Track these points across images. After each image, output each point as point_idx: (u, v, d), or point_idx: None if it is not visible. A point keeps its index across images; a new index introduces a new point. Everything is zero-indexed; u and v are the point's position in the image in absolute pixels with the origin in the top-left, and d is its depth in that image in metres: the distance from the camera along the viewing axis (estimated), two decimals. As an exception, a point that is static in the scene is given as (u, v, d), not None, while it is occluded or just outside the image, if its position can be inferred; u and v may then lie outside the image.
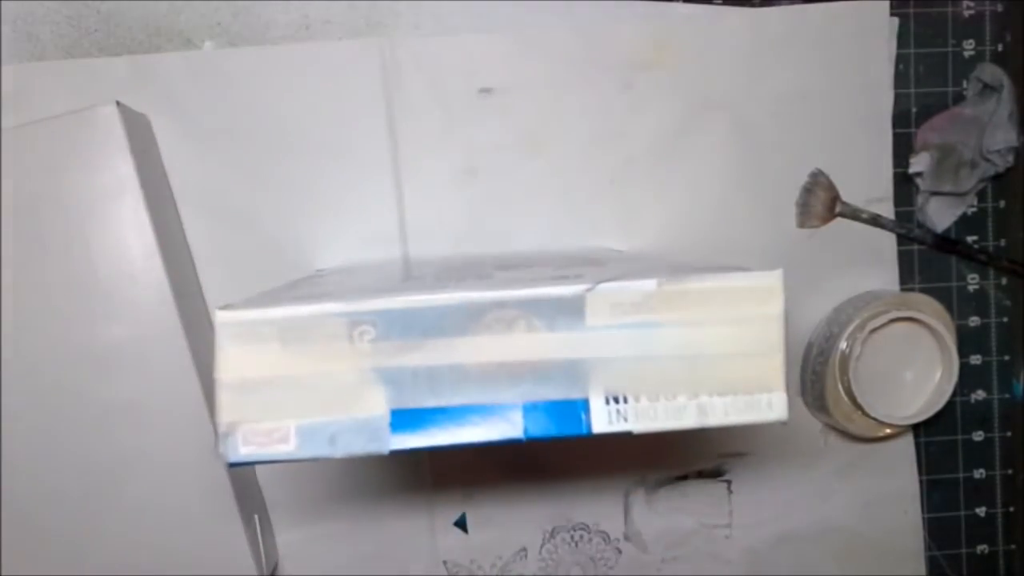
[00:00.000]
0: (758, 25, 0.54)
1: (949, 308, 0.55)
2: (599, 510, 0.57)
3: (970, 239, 0.58)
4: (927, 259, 0.57)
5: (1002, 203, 0.57)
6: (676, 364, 0.31)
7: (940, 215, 0.57)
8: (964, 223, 0.57)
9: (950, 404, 0.52)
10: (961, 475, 0.58)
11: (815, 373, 0.54)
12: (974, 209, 0.57)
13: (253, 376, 0.30)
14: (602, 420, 0.31)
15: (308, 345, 0.30)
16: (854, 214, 0.56)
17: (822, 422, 0.56)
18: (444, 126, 0.54)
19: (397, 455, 0.31)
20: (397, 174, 0.54)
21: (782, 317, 0.32)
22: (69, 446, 0.48)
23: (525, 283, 0.31)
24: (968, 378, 0.58)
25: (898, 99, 0.56)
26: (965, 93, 0.57)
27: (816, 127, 0.55)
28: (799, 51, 0.55)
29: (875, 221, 0.56)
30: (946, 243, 0.57)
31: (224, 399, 0.31)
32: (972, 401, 0.58)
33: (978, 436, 0.58)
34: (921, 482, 0.58)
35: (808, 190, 0.55)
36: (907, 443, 0.57)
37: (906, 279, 0.57)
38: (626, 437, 0.31)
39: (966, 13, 0.56)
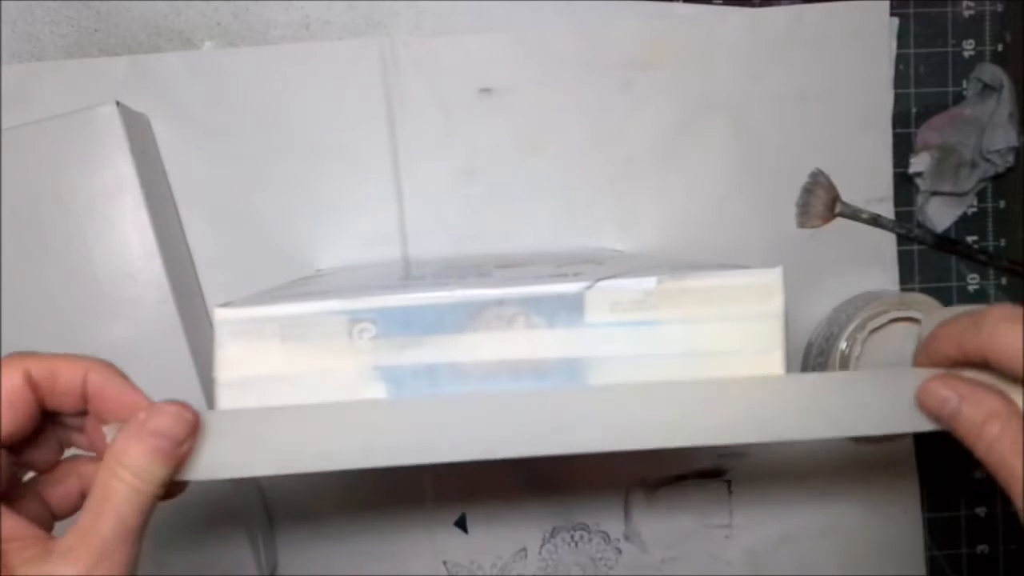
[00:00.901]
0: (758, 25, 0.54)
1: (949, 308, 0.55)
2: (599, 510, 0.57)
3: (970, 239, 0.58)
4: (927, 259, 0.57)
5: (1002, 203, 0.57)
6: (675, 362, 0.31)
7: (940, 215, 0.57)
8: (964, 223, 0.57)
9: (950, 404, 0.52)
10: (961, 475, 0.58)
11: (815, 373, 0.54)
12: (974, 209, 0.57)
13: (253, 374, 0.30)
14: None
15: (308, 342, 0.30)
16: (854, 214, 0.56)
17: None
18: (444, 126, 0.54)
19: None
20: (397, 174, 0.54)
21: (783, 315, 0.32)
22: (69, 446, 0.48)
23: (525, 280, 0.31)
24: (968, 378, 0.57)
25: (898, 99, 0.56)
26: (965, 93, 0.56)
27: (816, 127, 0.55)
28: (799, 51, 0.55)
29: (875, 221, 0.56)
30: (946, 243, 0.57)
31: (224, 398, 0.30)
32: (972, 401, 0.58)
33: (978, 436, 0.58)
34: (921, 482, 0.58)
35: (808, 190, 0.55)
36: (907, 443, 0.57)
37: (906, 279, 0.57)
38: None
39: (966, 13, 0.56)
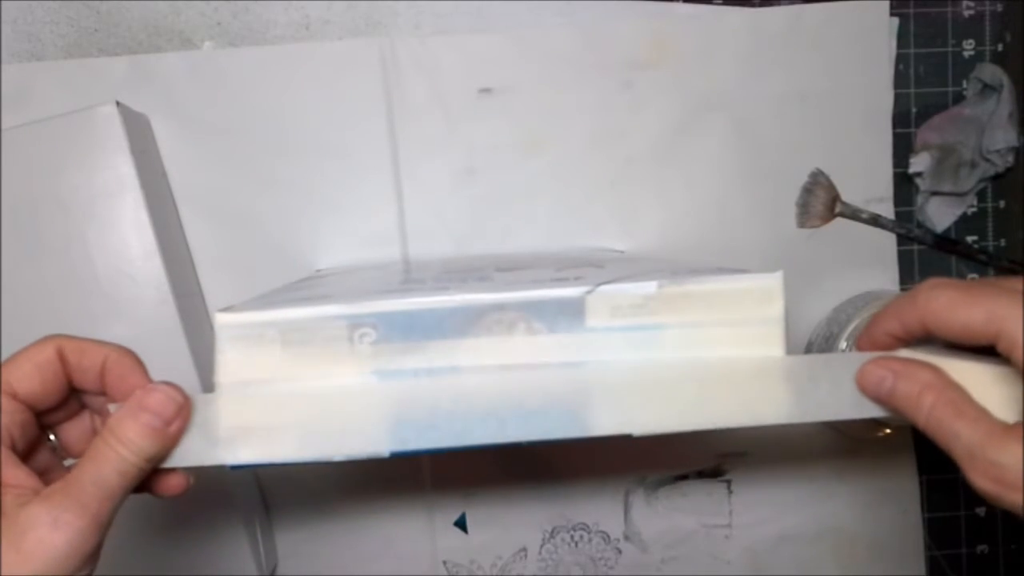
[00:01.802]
0: (758, 25, 0.54)
1: (949, 308, 0.55)
2: (599, 510, 0.57)
3: (970, 239, 0.58)
4: (927, 259, 0.57)
5: (1002, 203, 0.57)
6: (676, 366, 0.31)
7: (940, 215, 0.57)
8: (964, 223, 0.57)
9: (950, 404, 0.52)
10: (961, 475, 0.58)
11: (815, 373, 0.54)
12: (974, 209, 0.57)
13: (253, 379, 0.30)
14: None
15: (309, 347, 0.30)
16: (854, 214, 0.56)
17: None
18: (444, 126, 0.54)
19: (397, 457, 0.30)
20: (397, 174, 0.54)
21: (783, 319, 0.32)
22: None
23: (525, 285, 0.31)
24: (968, 378, 0.57)
25: (898, 99, 0.56)
26: (965, 93, 0.56)
27: (816, 127, 0.55)
28: (799, 51, 0.55)
29: (875, 221, 0.56)
30: (946, 243, 0.57)
31: (225, 402, 0.30)
32: (972, 401, 0.58)
33: (978, 436, 0.58)
34: (921, 482, 0.58)
35: (808, 190, 0.55)
36: (907, 443, 0.57)
37: (906, 279, 0.57)
38: (626, 439, 0.31)
39: (966, 13, 0.56)
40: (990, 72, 0.55)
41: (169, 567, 0.50)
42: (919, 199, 0.57)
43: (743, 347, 0.31)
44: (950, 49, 0.56)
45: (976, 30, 0.56)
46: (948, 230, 0.57)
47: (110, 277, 0.48)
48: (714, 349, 0.31)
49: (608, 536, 0.57)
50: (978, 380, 0.30)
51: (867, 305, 0.52)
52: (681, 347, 0.31)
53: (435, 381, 0.30)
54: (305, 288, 0.38)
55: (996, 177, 0.57)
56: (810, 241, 0.56)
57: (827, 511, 0.57)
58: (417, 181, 0.54)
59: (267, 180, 0.53)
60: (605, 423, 0.31)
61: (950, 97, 0.57)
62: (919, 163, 0.56)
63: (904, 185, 0.57)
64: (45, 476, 0.31)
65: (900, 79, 0.56)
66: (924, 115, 0.56)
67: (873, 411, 0.31)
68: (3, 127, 0.48)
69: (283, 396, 0.30)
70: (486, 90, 0.54)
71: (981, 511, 0.58)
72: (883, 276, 0.56)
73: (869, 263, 0.56)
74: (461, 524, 0.56)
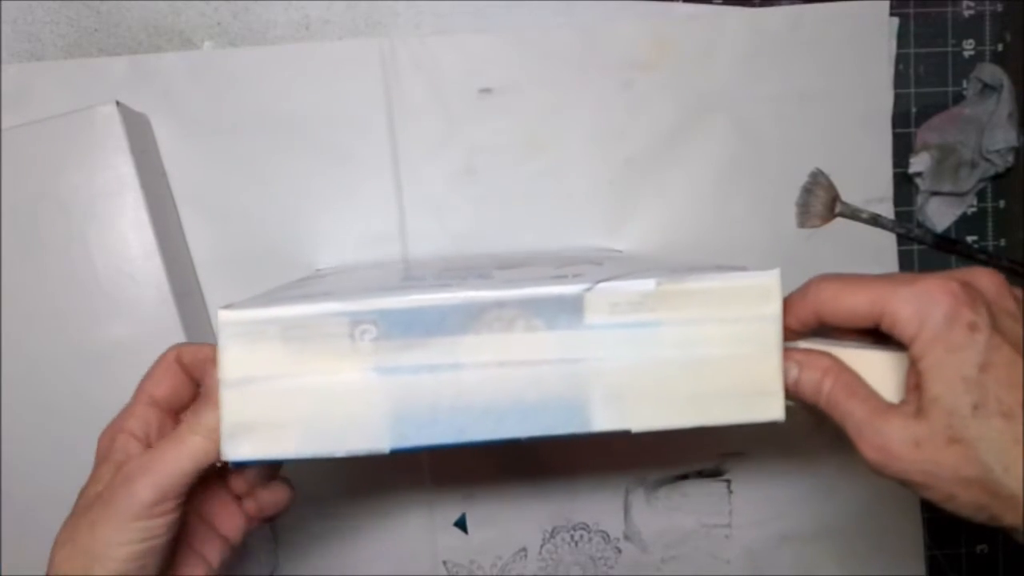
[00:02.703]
0: (758, 25, 0.54)
1: (949, 308, 0.55)
2: (599, 510, 0.57)
3: (970, 239, 0.58)
4: (927, 259, 0.57)
5: (1002, 203, 0.58)
6: (674, 363, 0.31)
7: (940, 215, 0.57)
8: (964, 223, 0.57)
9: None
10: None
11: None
12: (974, 209, 0.57)
13: (255, 375, 0.30)
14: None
15: (310, 344, 0.30)
16: (854, 214, 0.56)
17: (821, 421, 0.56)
18: (444, 126, 0.54)
19: (397, 454, 0.31)
20: (397, 174, 0.54)
21: (779, 317, 0.32)
22: (69, 446, 0.48)
23: (525, 283, 0.31)
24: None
25: (898, 99, 0.56)
26: (965, 93, 0.57)
27: (816, 127, 0.55)
28: (799, 51, 0.55)
29: (875, 221, 0.56)
30: (946, 243, 0.57)
31: (226, 399, 0.31)
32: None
33: (978, 436, 0.58)
34: (921, 482, 0.58)
35: (808, 190, 0.55)
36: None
37: (906, 279, 0.57)
38: (625, 436, 0.31)
39: (966, 13, 0.56)
40: (990, 72, 0.55)
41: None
42: (919, 199, 0.57)
43: (740, 344, 0.31)
44: (950, 49, 0.56)
45: (976, 30, 0.56)
46: (948, 230, 0.57)
47: (110, 277, 0.48)
48: (712, 346, 0.31)
49: (608, 536, 0.57)
50: (868, 365, 0.33)
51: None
52: (679, 344, 0.31)
53: (436, 378, 0.30)
54: (306, 286, 0.39)
55: (996, 177, 0.57)
56: (810, 241, 0.56)
57: (827, 511, 0.57)
58: (417, 181, 0.54)
59: (267, 180, 0.53)
60: (604, 419, 0.31)
61: (950, 97, 0.57)
62: (919, 163, 0.56)
63: (904, 185, 0.57)
64: None
65: (900, 79, 0.56)
66: (924, 115, 0.56)
67: None
68: (3, 127, 0.49)
69: (284, 393, 0.30)
70: (486, 90, 0.54)
71: (981, 511, 0.58)
72: (883, 276, 0.56)
73: (869, 263, 0.56)
74: (461, 524, 0.56)
